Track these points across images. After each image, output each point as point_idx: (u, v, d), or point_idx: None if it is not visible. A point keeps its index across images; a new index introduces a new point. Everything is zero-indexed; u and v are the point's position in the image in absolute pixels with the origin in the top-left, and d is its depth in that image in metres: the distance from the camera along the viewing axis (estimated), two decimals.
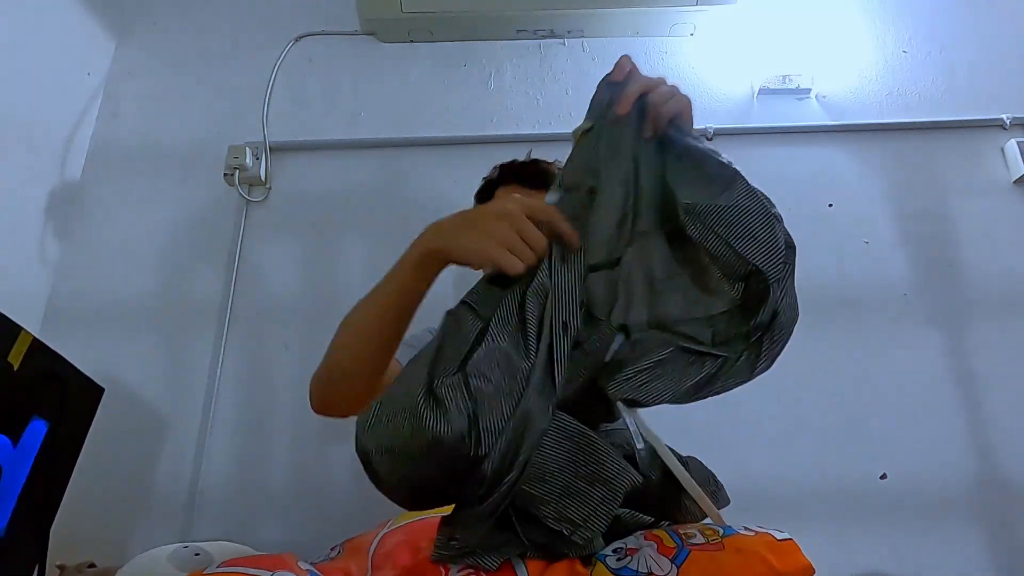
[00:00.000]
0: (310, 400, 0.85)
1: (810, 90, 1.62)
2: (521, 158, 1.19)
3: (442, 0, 1.61)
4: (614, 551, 0.68)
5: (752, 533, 0.69)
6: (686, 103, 0.76)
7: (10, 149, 1.41)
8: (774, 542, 0.68)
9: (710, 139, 1.58)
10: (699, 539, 0.68)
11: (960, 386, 1.36)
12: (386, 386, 0.80)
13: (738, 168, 0.76)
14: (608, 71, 0.75)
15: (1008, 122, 1.55)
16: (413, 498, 0.64)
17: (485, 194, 1.19)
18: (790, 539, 0.69)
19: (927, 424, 1.34)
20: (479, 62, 1.69)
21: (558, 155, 1.15)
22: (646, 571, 0.64)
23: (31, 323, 1.39)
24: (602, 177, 0.71)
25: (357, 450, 0.60)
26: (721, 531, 0.69)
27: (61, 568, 1.11)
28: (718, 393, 0.74)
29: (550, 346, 0.64)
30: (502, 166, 1.19)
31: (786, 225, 0.85)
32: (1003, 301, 1.43)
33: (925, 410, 1.35)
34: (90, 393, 1.05)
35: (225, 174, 1.55)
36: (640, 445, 0.70)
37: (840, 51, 1.65)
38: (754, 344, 0.73)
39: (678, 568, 0.65)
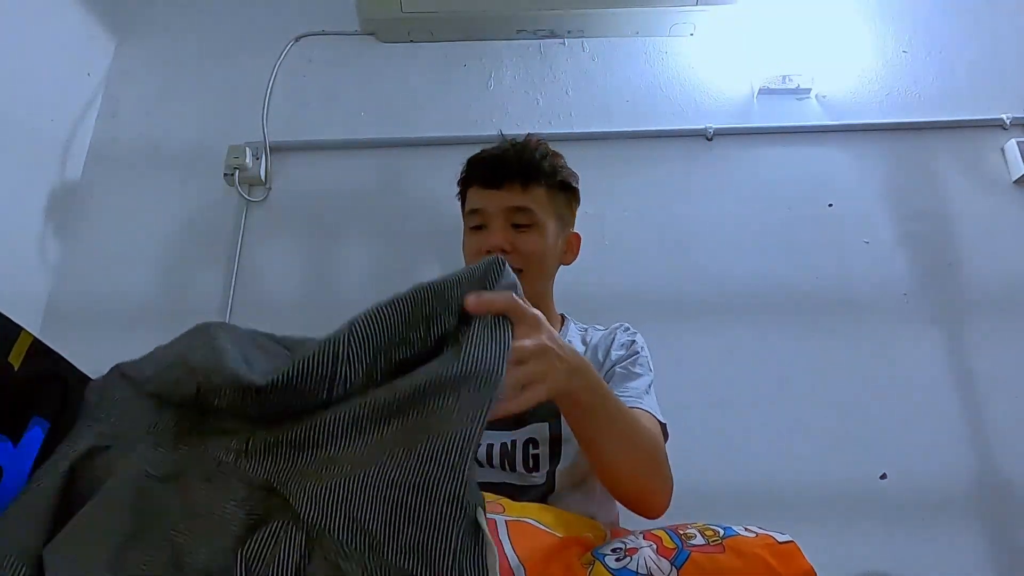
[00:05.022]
0: None
1: (810, 90, 1.62)
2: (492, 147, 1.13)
3: (442, 0, 1.61)
4: (613, 551, 0.68)
5: (752, 535, 0.69)
6: None
7: (10, 149, 1.41)
8: (775, 544, 0.68)
9: (710, 139, 1.58)
10: (699, 540, 0.68)
11: (960, 386, 1.36)
12: None
13: None
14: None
15: (1008, 122, 1.55)
16: None
17: (461, 196, 1.17)
18: (791, 541, 0.68)
19: (927, 424, 1.34)
20: (479, 62, 1.69)
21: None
22: (646, 572, 0.64)
23: (31, 323, 1.38)
24: None
25: None
26: (721, 532, 0.69)
27: None
28: None
29: None
30: (467, 160, 1.15)
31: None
32: (1003, 301, 1.42)
33: (925, 410, 1.35)
34: None
35: (225, 174, 1.55)
36: None
37: (840, 51, 1.65)
38: None
39: (678, 570, 0.64)
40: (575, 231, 1.17)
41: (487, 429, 1.04)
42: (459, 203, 1.20)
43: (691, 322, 1.42)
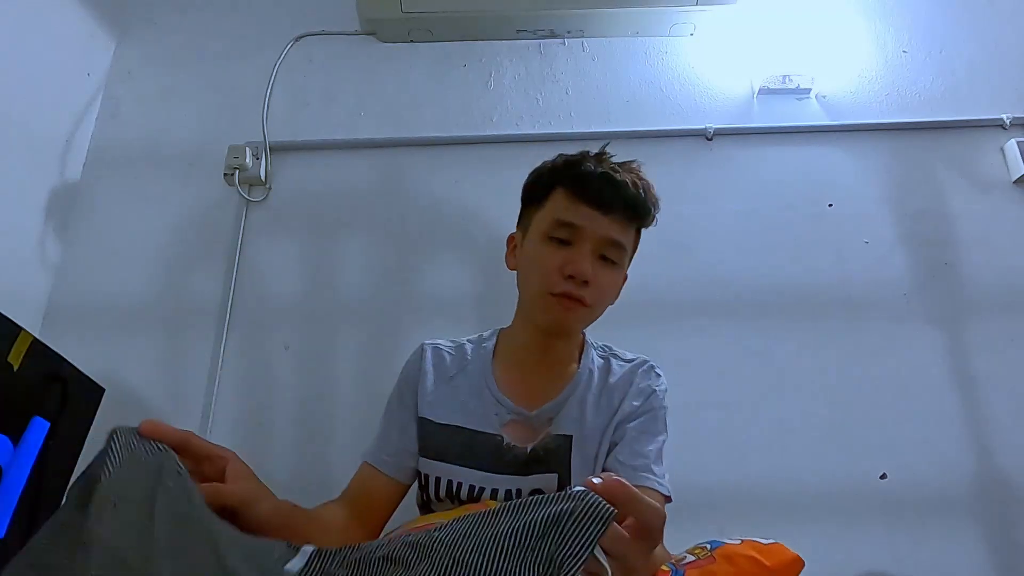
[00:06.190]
0: None
1: (810, 90, 1.62)
2: (593, 153, 1.00)
3: (442, 0, 1.61)
4: None
5: (738, 541, 0.71)
6: None
7: (10, 149, 1.41)
8: (761, 545, 0.70)
9: (710, 139, 1.58)
10: (690, 559, 0.70)
11: (960, 386, 1.36)
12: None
13: None
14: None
15: (1008, 122, 1.55)
16: None
17: (540, 190, 1.01)
18: (776, 542, 0.71)
19: (927, 424, 1.34)
20: (479, 62, 1.69)
21: (559, 152, 1.13)
22: None
23: (31, 323, 1.39)
24: None
25: None
26: (709, 546, 0.71)
27: None
28: None
29: None
30: (568, 162, 1.00)
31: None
32: (1003, 301, 1.43)
33: (925, 410, 1.35)
34: (90, 393, 1.05)
35: (225, 174, 1.55)
36: None
37: (840, 51, 1.65)
38: None
39: None
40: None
41: (492, 472, 0.99)
42: (522, 193, 1.06)
43: (691, 322, 1.42)
